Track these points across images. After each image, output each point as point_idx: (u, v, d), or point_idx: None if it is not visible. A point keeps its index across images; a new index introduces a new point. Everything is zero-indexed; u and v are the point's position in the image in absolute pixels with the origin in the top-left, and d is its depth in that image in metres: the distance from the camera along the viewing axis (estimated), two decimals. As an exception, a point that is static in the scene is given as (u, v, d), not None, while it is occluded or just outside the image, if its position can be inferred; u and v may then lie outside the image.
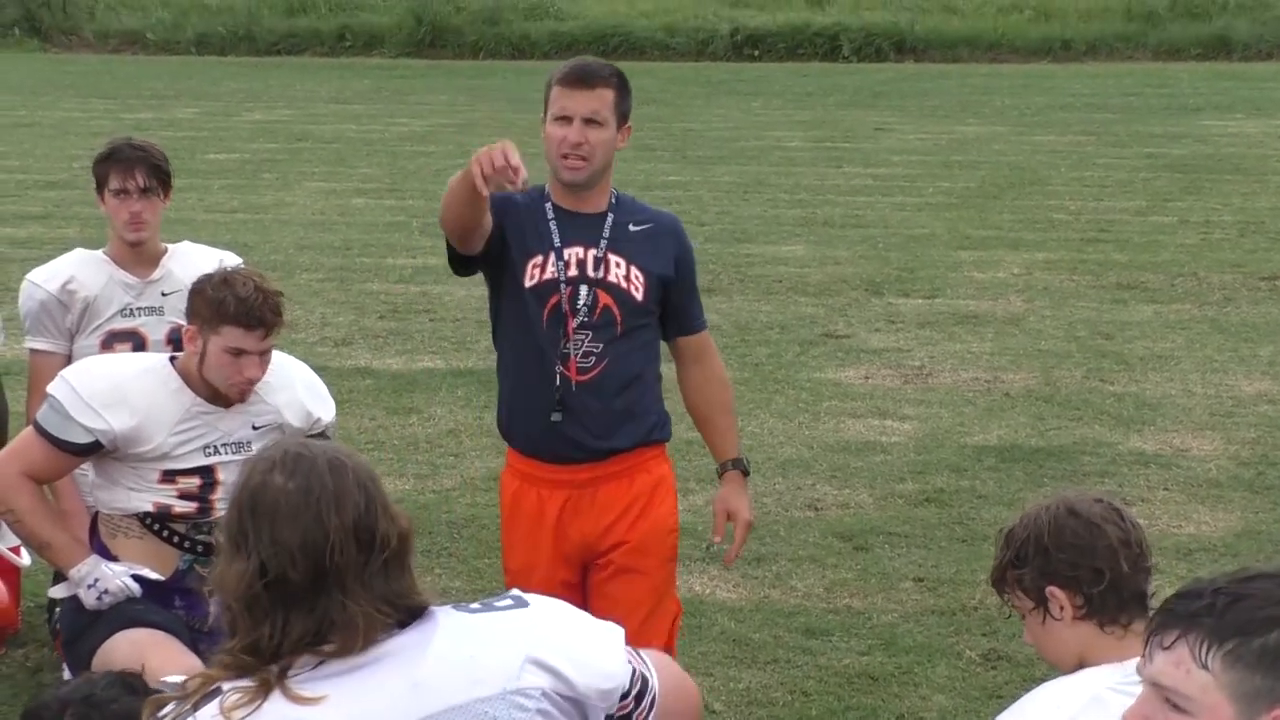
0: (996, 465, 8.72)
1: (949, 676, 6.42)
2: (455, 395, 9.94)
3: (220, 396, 5.19)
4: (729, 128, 21.70)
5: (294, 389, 5.36)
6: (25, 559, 6.30)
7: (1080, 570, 3.47)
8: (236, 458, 5.22)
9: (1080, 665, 3.48)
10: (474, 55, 31.26)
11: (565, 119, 5.03)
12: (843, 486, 8.45)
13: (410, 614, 2.95)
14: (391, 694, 2.89)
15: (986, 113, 22.97)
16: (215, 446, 5.21)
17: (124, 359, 5.54)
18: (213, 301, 5.11)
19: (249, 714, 2.85)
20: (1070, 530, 3.49)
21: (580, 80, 5.05)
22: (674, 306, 5.23)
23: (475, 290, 11.56)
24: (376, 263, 13.64)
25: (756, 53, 30.47)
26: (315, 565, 2.88)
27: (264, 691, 2.86)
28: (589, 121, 5.02)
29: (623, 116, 5.11)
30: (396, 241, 14.51)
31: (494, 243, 5.07)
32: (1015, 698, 3.49)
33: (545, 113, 5.09)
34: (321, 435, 5.44)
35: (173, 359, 5.28)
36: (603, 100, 5.04)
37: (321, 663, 2.89)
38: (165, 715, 2.91)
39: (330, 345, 11.09)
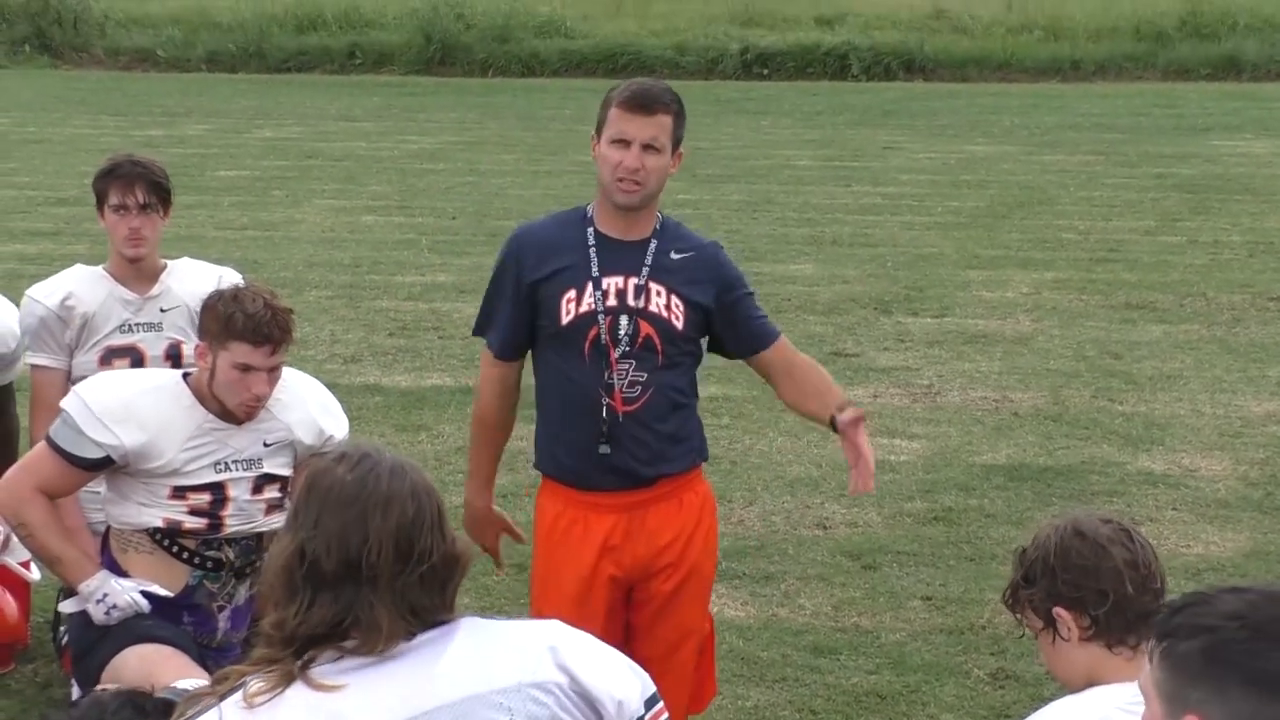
0: (1005, 484, 8.72)
1: (957, 695, 6.42)
2: (464, 413, 9.94)
3: (232, 413, 5.20)
4: (738, 146, 21.72)
5: (306, 406, 5.37)
6: (35, 574, 6.31)
7: (1085, 592, 3.47)
8: (247, 475, 5.23)
9: (1090, 685, 3.48)
10: (484, 73, 31.30)
11: (623, 142, 4.97)
12: (851, 505, 8.45)
13: (435, 628, 3.00)
14: (409, 683, 2.95)
15: (995, 132, 22.98)
16: (226, 463, 5.22)
17: (137, 374, 5.55)
18: (221, 317, 5.12)
19: (270, 699, 2.92)
20: (1076, 551, 3.49)
21: (642, 106, 4.98)
22: (736, 329, 5.18)
23: (484, 308, 11.55)
24: (386, 280, 13.65)
25: (766, 72, 30.51)
26: (349, 559, 2.94)
27: (286, 680, 2.92)
28: (647, 148, 4.97)
29: (677, 142, 5.06)
30: (406, 259, 14.52)
31: (531, 317, 5.13)
32: (1023, 717, 3.49)
33: (600, 131, 5.02)
34: (333, 452, 5.44)
35: (186, 375, 5.29)
36: (661, 126, 4.98)
37: (342, 657, 2.94)
38: (197, 710, 2.96)
39: (339, 362, 11.10)
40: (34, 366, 6.19)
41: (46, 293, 6.18)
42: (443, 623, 3.01)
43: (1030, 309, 12.59)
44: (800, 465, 9.04)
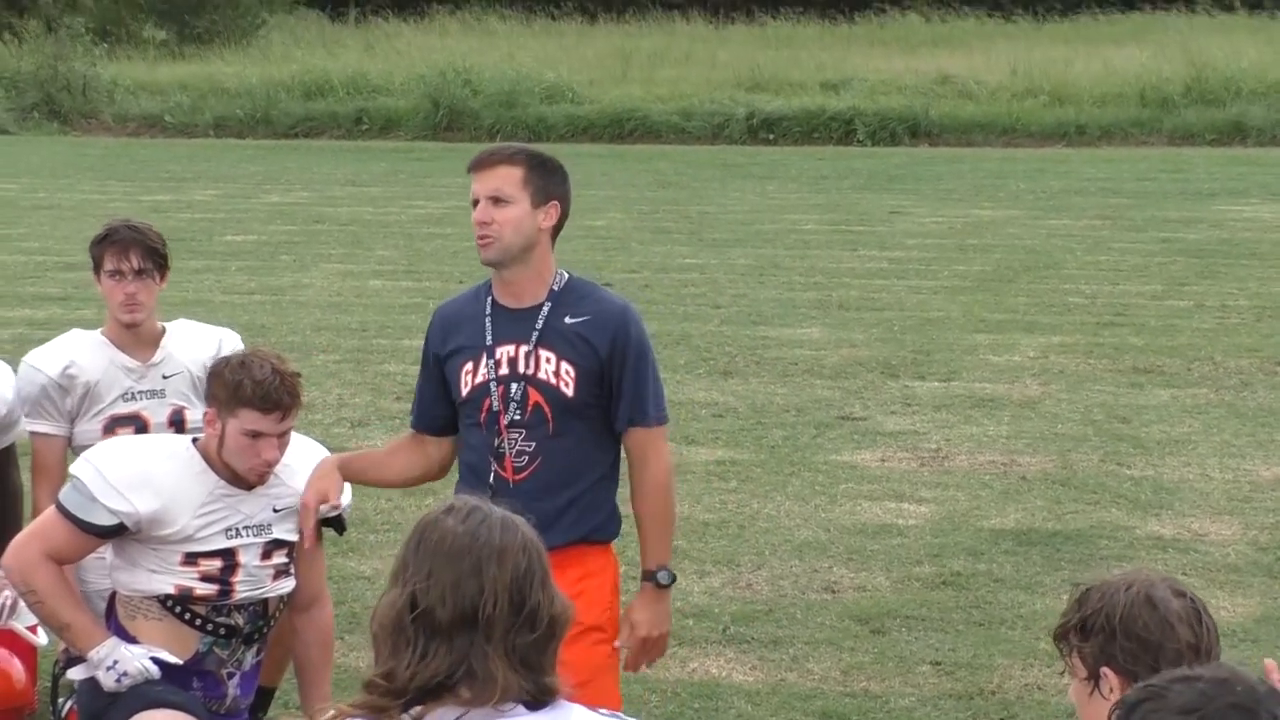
0: (1013, 549, 8.69)
1: (967, 761, 6.39)
2: (471, 477, 9.94)
3: (242, 479, 5.19)
4: (745, 210, 21.77)
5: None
6: (42, 638, 6.30)
7: (1140, 666, 3.38)
8: (257, 540, 5.23)
9: None
10: (490, 138, 31.32)
11: (474, 202, 5.06)
12: (859, 569, 8.43)
13: (541, 691, 2.99)
14: None
15: (1001, 196, 23.02)
16: (237, 529, 5.21)
17: (148, 441, 5.55)
18: (230, 385, 5.11)
19: None
20: (1143, 623, 3.41)
21: (479, 163, 5.09)
22: (613, 400, 5.08)
23: (491, 372, 11.57)
24: (393, 344, 13.67)
25: (772, 136, 30.61)
26: (464, 609, 2.95)
27: None
28: (493, 200, 5.01)
29: (541, 194, 5.05)
30: (413, 323, 14.53)
31: (448, 392, 5.19)
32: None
33: None
34: (338, 518, 5.46)
35: (194, 440, 5.29)
36: (504, 178, 5.02)
37: (457, 717, 2.93)
38: None
39: (347, 426, 11.10)
40: (34, 434, 6.16)
41: (46, 360, 6.14)
42: (549, 693, 3.00)
43: (1037, 373, 12.58)
44: (808, 529, 9.02)
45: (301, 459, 5.34)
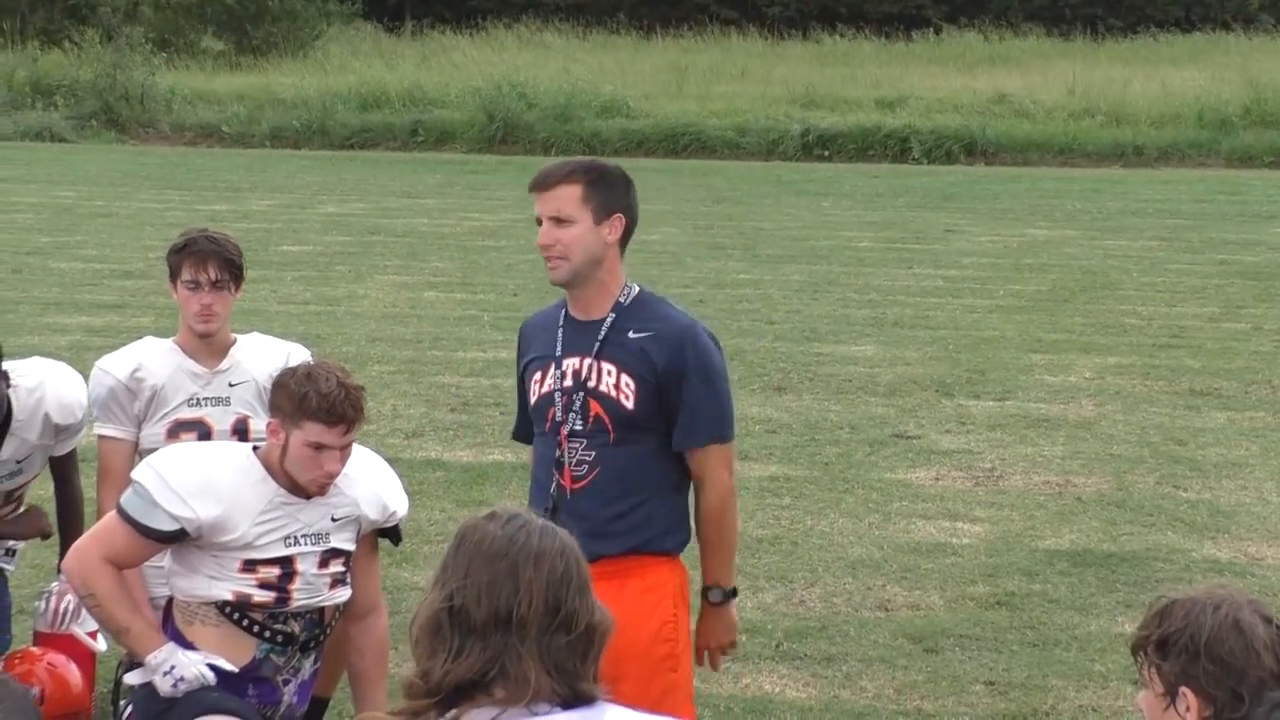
0: (1068, 570, 8.66)
1: (1021, 782, 6.36)
2: (525, 488, 9.91)
3: (301, 487, 5.21)
4: (799, 227, 21.75)
5: (372, 482, 5.39)
6: (102, 644, 6.33)
7: (1221, 689, 3.36)
8: (315, 549, 5.25)
9: None
10: (545, 152, 31.46)
11: (538, 221, 5.06)
12: (913, 588, 8.40)
13: (576, 697, 3.01)
14: None
15: (1057, 216, 22.96)
16: (295, 537, 5.23)
17: (209, 448, 5.57)
18: (295, 396, 5.13)
19: None
20: (1229, 647, 3.37)
21: (538, 184, 5.08)
22: (673, 417, 5.09)
23: (546, 385, 11.59)
24: (448, 356, 13.69)
25: (827, 153, 30.60)
26: (499, 609, 2.99)
27: None
28: (556, 220, 5.01)
29: (603, 209, 5.04)
30: (467, 335, 14.57)
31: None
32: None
33: None
34: (394, 529, 5.48)
35: (255, 448, 5.31)
36: (564, 198, 5.01)
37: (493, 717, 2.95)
38: None
39: (401, 437, 11.12)
40: (101, 437, 6.21)
41: (116, 364, 6.20)
42: (588, 703, 3.02)
43: (1093, 394, 12.53)
44: (862, 546, 9.00)
45: (360, 469, 5.36)
